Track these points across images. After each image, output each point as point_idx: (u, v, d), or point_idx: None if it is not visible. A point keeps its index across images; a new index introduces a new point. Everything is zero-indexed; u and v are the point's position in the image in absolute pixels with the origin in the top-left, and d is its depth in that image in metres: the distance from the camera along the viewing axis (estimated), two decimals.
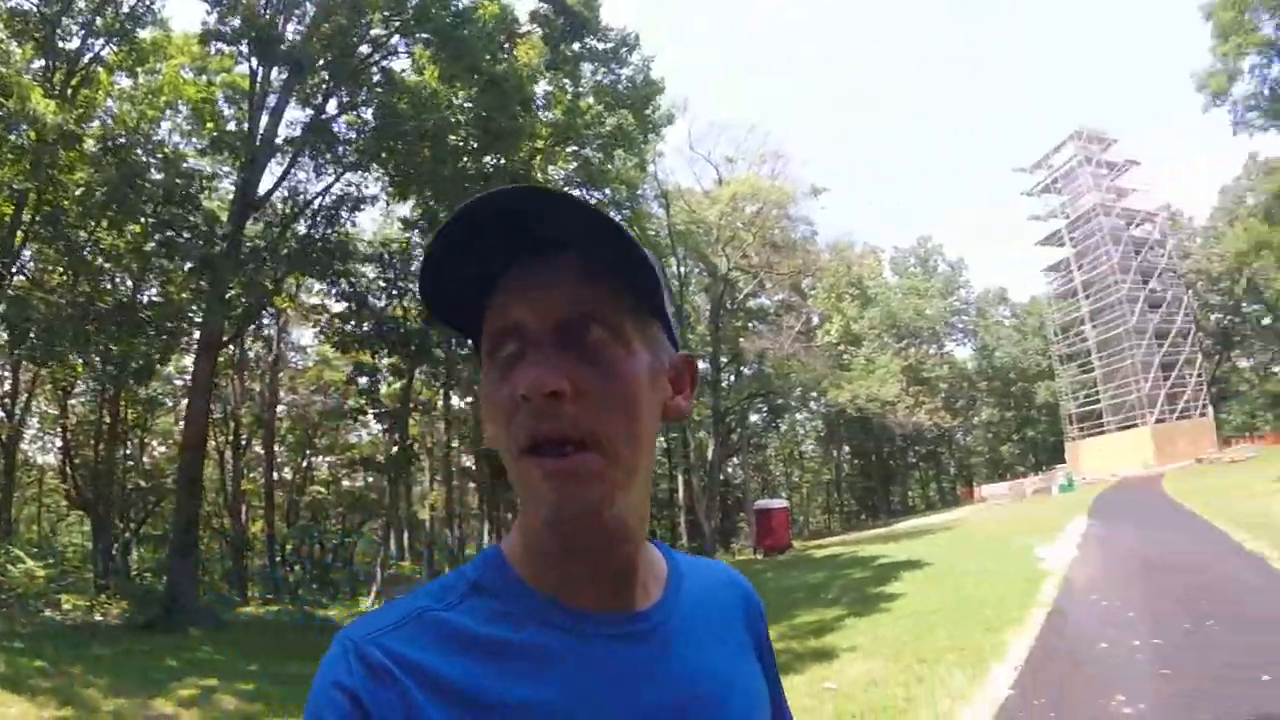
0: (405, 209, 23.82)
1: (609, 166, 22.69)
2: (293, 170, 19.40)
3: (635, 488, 0.69)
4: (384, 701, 0.61)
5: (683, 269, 35.00)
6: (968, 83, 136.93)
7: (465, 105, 18.66)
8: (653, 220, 30.50)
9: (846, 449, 60.40)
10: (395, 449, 27.71)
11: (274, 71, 17.77)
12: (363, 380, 27.22)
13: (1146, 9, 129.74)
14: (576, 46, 21.23)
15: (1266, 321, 54.07)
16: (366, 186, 20.95)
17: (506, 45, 19.62)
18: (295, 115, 19.33)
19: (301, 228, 20.28)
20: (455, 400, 32.99)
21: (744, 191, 34.76)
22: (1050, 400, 61.47)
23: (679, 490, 38.89)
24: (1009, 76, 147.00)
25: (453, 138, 18.65)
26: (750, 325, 41.33)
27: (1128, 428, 50.11)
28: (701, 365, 26.19)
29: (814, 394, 45.27)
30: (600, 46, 21.81)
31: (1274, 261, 35.38)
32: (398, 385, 28.17)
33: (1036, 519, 23.26)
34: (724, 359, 38.39)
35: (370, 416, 29.86)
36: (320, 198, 20.04)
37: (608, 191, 23.14)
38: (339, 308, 24.88)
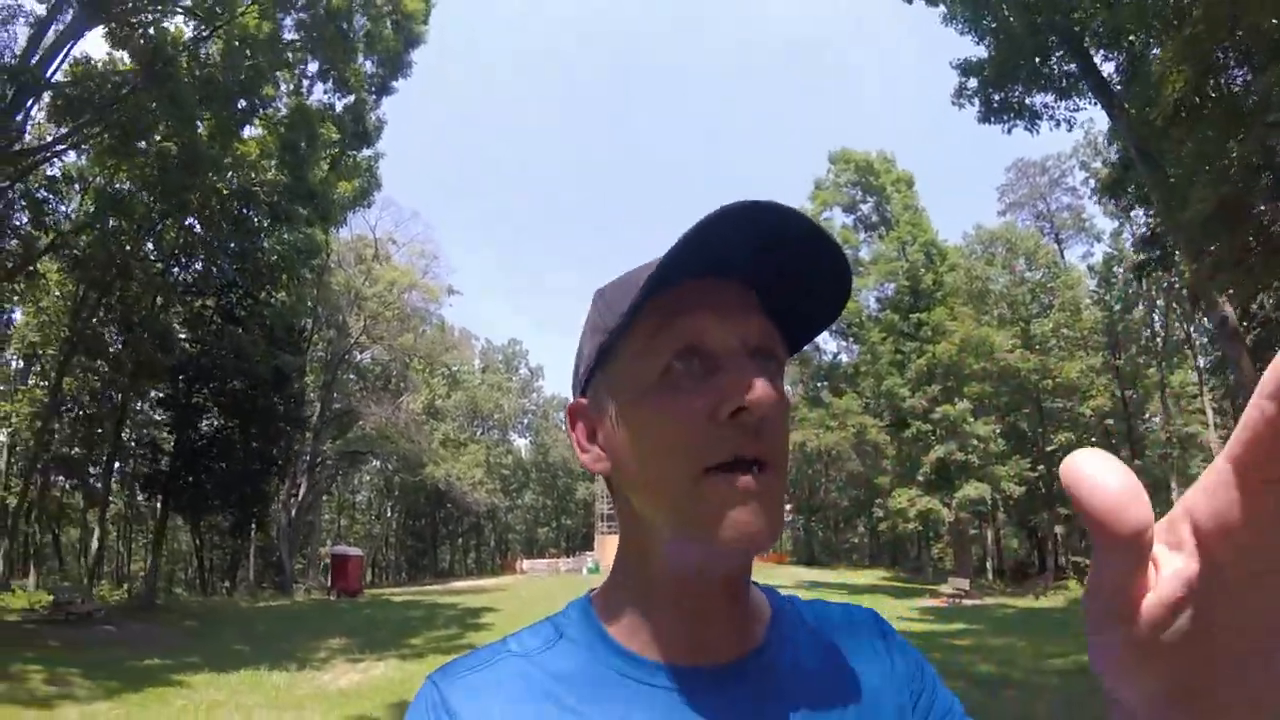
0: None
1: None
2: None
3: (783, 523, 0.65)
4: None
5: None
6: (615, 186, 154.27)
7: None
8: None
9: (399, 507, 65.53)
10: None
11: None
12: None
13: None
14: None
15: None
16: None
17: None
18: None
19: None
20: None
21: (403, 282, 40.43)
22: (587, 499, 71.91)
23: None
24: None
25: None
26: (358, 383, 46.11)
27: None
28: (314, 411, 30.01)
29: (393, 459, 50.87)
30: None
31: None
32: None
33: (574, 587, 31.14)
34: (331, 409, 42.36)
35: None
36: None
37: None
38: None
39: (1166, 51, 11.14)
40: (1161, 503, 37.02)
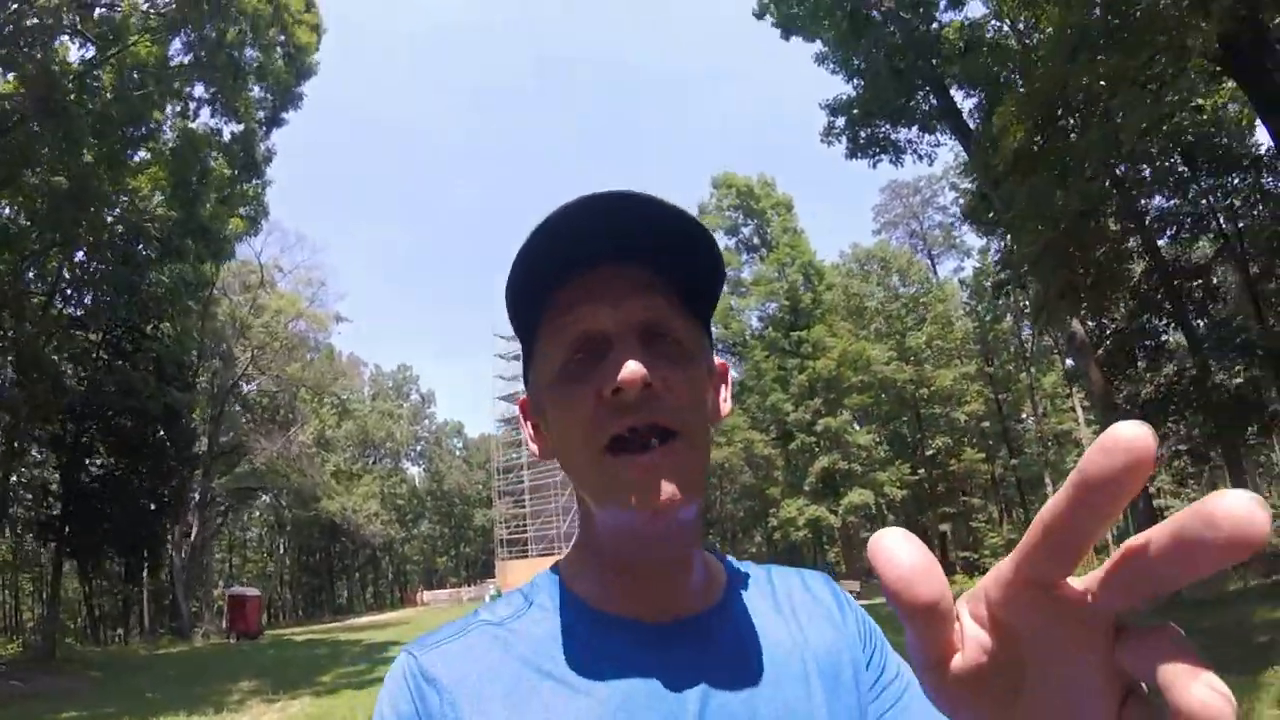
0: None
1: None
2: None
3: (703, 488, 0.71)
4: (434, 708, 0.68)
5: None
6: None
7: None
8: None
9: (292, 544, 63.59)
10: None
11: None
12: None
13: None
14: None
15: None
16: None
17: None
18: None
19: None
20: None
21: (290, 311, 39.55)
22: (486, 525, 70.81)
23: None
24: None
25: None
26: (245, 416, 44.61)
27: (547, 554, 62.54)
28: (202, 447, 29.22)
29: (285, 494, 49.46)
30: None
31: None
32: None
33: None
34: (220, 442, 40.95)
35: None
36: None
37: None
38: None
39: (1007, 105, 12.73)
40: (1038, 498, 40.16)
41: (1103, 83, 10.64)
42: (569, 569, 0.78)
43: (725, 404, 0.80)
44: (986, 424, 43.63)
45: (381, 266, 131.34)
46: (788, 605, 0.79)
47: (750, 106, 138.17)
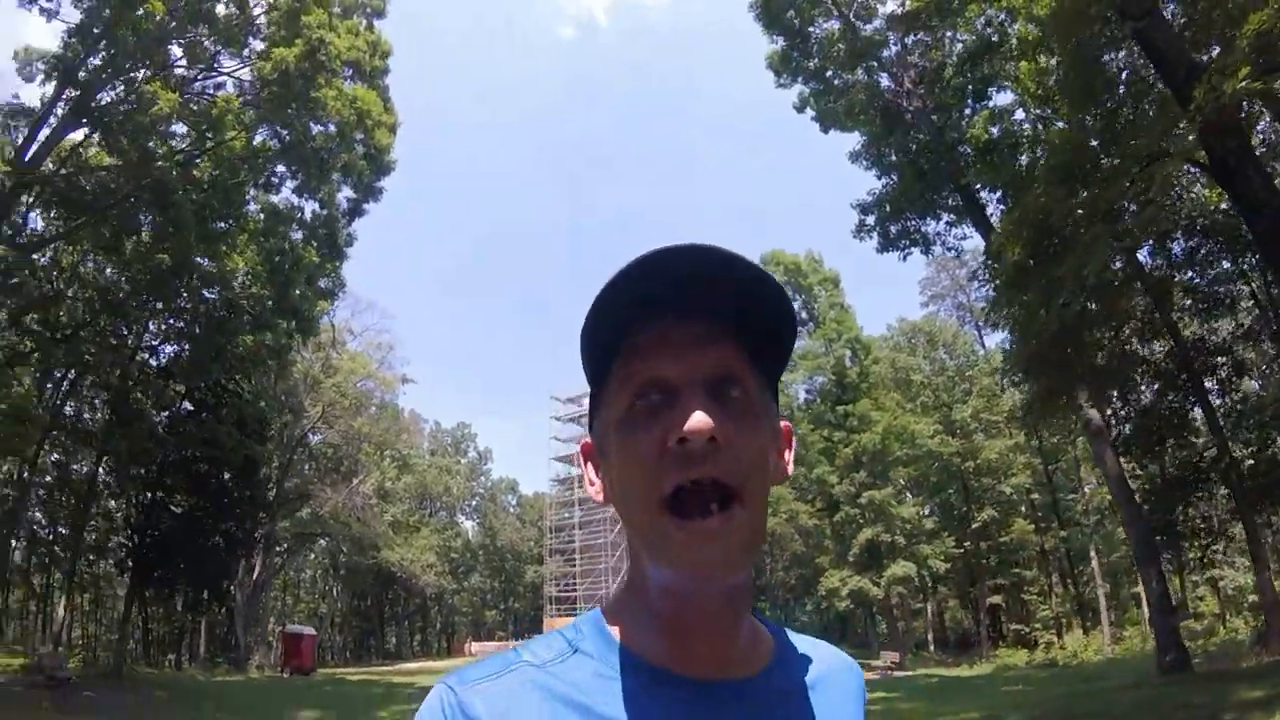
0: None
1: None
2: None
3: (759, 550, 0.71)
4: None
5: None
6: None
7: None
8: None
9: (345, 588, 65.37)
10: None
11: None
12: None
13: None
14: None
15: None
16: None
17: None
18: None
19: None
20: None
21: (360, 373, 42.28)
22: (535, 581, 70.88)
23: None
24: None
25: None
26: (312, 468, 47.10)
27: None
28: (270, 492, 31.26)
29: (344, 540, 51.63)
30: None
31: None
32: None
33: None
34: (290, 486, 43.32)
35: None
36: None
37: None
38: None
39: (1005, 224, 14.11)
40: (1087, 571, 39.75)
41: (1080, 212, 11.92)
42: (614, 613, 0.76)
43: (789, 466, 0.81)
44: (1036, 496, 43.49)
45: (447, 325, 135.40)
46: (823, 684, 0.80)
47: (800, 186, 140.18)
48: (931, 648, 46.20)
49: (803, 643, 0.84)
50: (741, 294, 0.69)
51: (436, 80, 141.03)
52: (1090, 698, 14.67)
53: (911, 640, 45.44)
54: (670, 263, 0.66)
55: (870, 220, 23.38)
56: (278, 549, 46.12)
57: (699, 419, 0.64)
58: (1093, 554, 38.29)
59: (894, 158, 22.88)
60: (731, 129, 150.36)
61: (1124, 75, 15.49)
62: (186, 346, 25.11)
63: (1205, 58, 11.64)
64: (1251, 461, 19.45)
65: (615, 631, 0.74)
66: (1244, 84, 9.29)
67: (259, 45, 21.74)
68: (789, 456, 0.81)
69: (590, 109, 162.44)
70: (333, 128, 22.46)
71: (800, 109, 24.11)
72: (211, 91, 22.17)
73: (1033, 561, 44.09)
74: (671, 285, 0.68)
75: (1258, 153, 13.79)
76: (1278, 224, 11.32)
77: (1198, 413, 20.26)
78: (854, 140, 23.75)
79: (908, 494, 45.15)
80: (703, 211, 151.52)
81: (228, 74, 22.38)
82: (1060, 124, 18.01)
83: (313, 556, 62.93)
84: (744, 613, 0.74)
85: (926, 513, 44.57)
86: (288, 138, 22.40)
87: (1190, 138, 11.15)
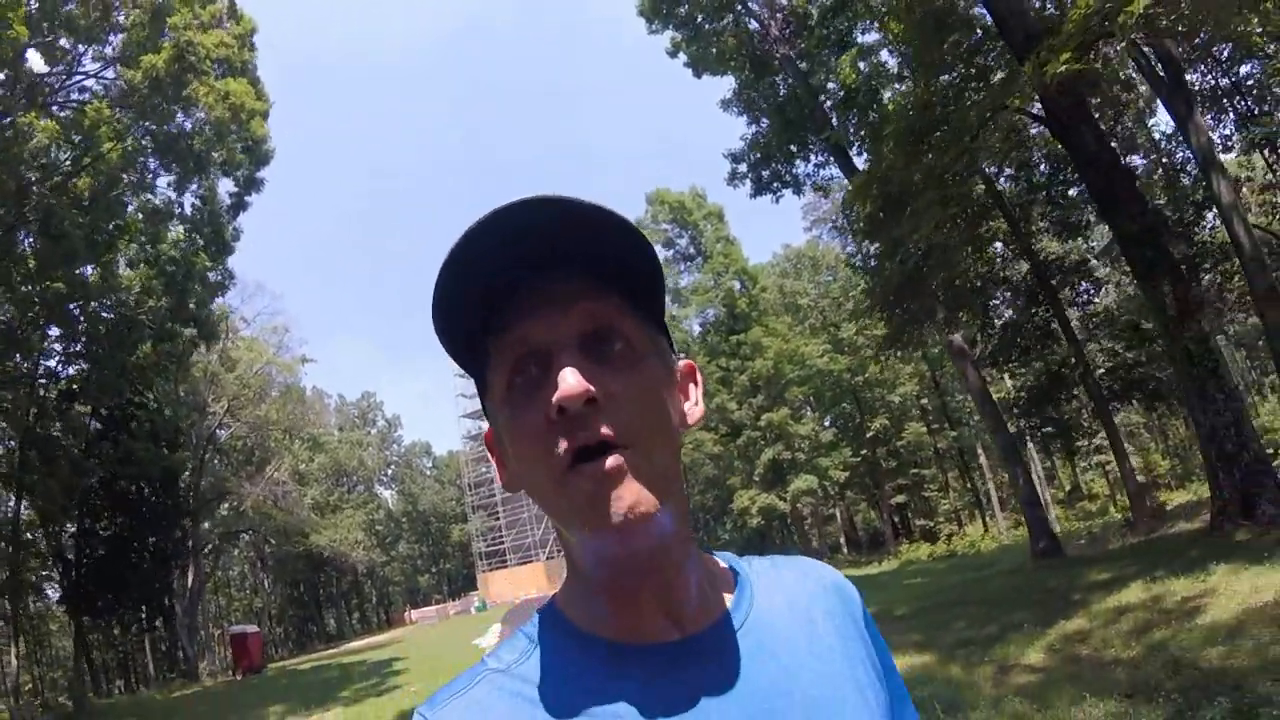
0: None
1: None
2: None
3: (675, 495, 0.67)
4: None
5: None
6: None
7: None
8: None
9: (277, 578, 65.19)
10: None
11: None
12: None
13: None
14: None
15: None
16: None
17: None
18: None
19: None
20: None
21: (258, 361, 41.88)
22: (463, 540, 72.55)
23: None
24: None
25: None
26: (224, 464, 46.56)
27: (526, 563, 61.37)
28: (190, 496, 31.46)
29: (271, 532, 51.51)
30: None
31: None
32: None
33: (468, 626, 34.07)
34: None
35: None
36: None
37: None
38: None
39: (857, 181, 15.73)
40: (973, 466, 43.64)
41: (917, 178, 13.54)
42: (564, 600, 0.74)
43: (697, 406, 0.77)
44: (925, 401, 47.17)
45: (336, 293, 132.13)
46: (798, 611, 0.77)
47: (685, 124, 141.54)
48: (845, 550, 49.89)
49: (773, 569, 0.82)
50: (594, 240, 0.65)
51: (315, 34, 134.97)
52: (975, 585, 15.96)
53: (826, 545, 49.02)
54: (505, 226, 0.62)
55: (743, 168, 24.55)
56: (205, 552, 45.81)
57: (569, 384, 0.61)
58: (979, 450, 41.97)
59: (764, 105, 23.85)
60: (620, 70, 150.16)
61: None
62: (88, 368, 24.81)
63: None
64: (1107, 367, 22.16)
65: (569, 615, 0.73)
66: (1064, 68, 10.08)
67: (119, 41, 21.19)
68: (696, 394, 0.78)
69: (482, 52, 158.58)
70: (208, 129, 22.29)
71: (673, 54, 24.26)
72: (78, 96, 21.72)
73: (930, 461, 47.96)
74: (518, 248, 0.64)
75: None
76: (1109, 178, 12.64)
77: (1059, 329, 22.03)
78: (730, 83, 24.48)
79: (806, 411, 48.11)
80: (590, 153, 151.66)
81: (93, 75, 21.91)
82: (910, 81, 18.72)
83: (238, 553, 62.32)
84: (685, 563, 0.71)
85: (826, 426, 47.53)
86: (161, 135, 22.09)
87: (1027, 90, 11.77)
